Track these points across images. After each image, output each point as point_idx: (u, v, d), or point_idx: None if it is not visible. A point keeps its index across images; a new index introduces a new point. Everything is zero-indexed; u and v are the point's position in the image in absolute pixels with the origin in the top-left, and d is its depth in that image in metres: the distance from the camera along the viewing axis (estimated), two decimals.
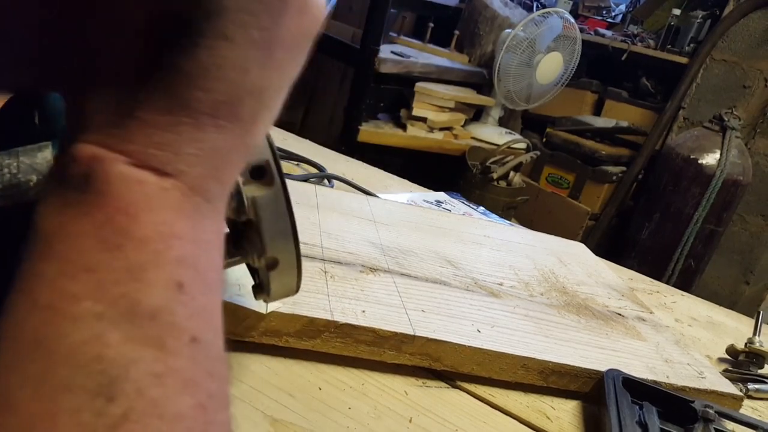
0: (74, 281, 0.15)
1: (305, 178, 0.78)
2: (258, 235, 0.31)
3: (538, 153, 2.25)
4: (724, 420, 0.43)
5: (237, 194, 0.29)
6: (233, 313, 0.39)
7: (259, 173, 0.29)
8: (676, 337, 0.55)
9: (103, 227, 0.15)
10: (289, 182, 0.33)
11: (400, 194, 0.84)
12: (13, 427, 0.13)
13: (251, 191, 0.29)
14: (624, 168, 2.40)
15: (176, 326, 0.16)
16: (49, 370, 0.14)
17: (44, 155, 0.35)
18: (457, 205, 0.87)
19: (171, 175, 0.17)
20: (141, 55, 0.16)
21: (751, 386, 0.53)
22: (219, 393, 0.17)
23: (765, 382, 0.54)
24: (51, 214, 0.16)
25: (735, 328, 0.69)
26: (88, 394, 0.14)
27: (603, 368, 0.45)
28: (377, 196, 0.77)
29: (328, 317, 0.41)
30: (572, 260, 0.68)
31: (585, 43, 2.36)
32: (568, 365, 0.44)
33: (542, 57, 2.29)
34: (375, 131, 2.13)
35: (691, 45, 2.35)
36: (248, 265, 0.36)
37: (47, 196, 0.16)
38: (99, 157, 0.16)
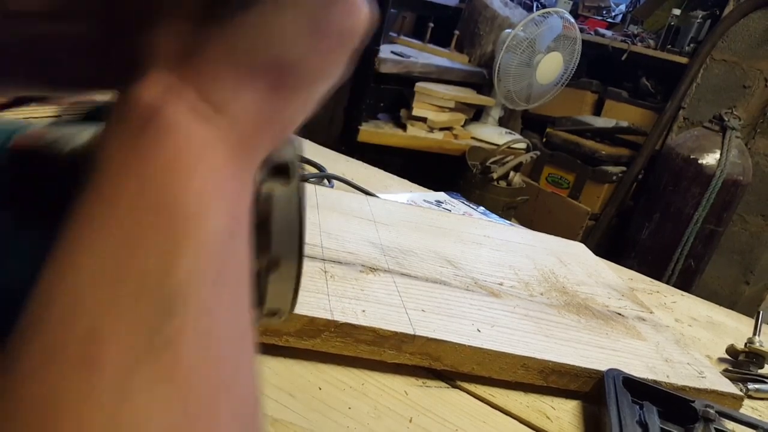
0: (138, 223, 0.16)
1: (305, 178, 0.78)
2: (266, 232, 0.31)
3: (538, 153, 2.25)
4: (724, 420, 0.43)
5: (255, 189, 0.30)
6: None
7: (280, 171, 0.30)
8: (676, 336, 0.55)
9: (169, 163, 0.17)
10: None
11: (400, 194, 0.84)
12: (73, 341, 0.14)
13: (269, 187, 0.30)
14: (624, 168, 2.40)
15: (225, 268, 0.17)
16: (114, 295, 0.15)
17: (84, 136, 0.36)
18: (457, 205, 0.87)
19: (219, 126, 0.18)
20: (200, 6, 0.19)
21: (751, 386, 0.53)
22: (251, 332, 0.19)
23: (765, 382, 0.54)
24: (111, 156, 0.17)
25: (735, 328, 0.69)
26: (148, 313, 0.15)
27: (603, 368, 0.45)
28: (377, 196, 0.77)
29: (328, 317, 0.41)
30: (572, 260, 0.68)
31: (585, 43, 2.36)
32: (568, 365, 0.44)
33: (542, 57, 2.29)
34: (375, 131, 2.13)
35: (691, 45, 2.35)
36: None
37: (107, 137, 0.18)
38: (157, 105, 0.17)
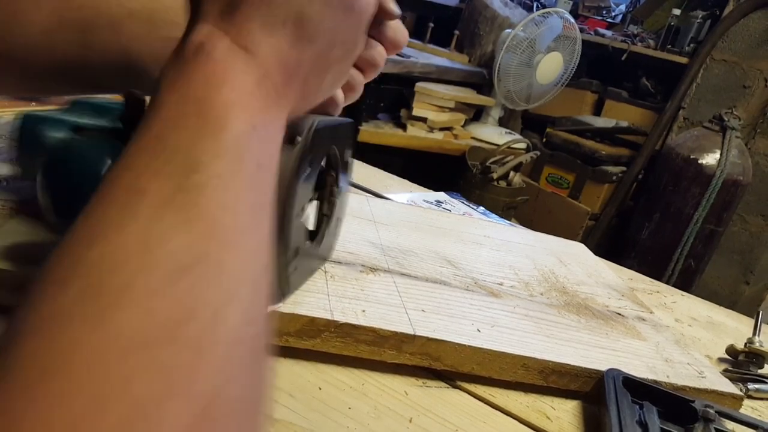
0: (177, 116, 0.22)
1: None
2: None
3: (538, 153, 2.25)
4: (724, 420, 0.43)
5: None
6: None
7: (290, 136, 0.35)
8: (676, 336, 0.55)
9: (206, 79, 0.23)
10: None
11: (400, 194, 0.84)
12: (119, 190, 0.20)
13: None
14: (624, 168, 2.40)
15: (242, 158, 0.22)
16: (152, 160, 0.20)
17: None
18: (457, 205, 0.87)
19: (249, 61, 0.24)
20: None
21: (751, 386, 0.53)
22: (268, 215, 0.23)
23: (765, 382, 0.54)
24: (168, 75, 0.23)
25: (735, 328, 0.69)
26: (176, 172, 0.20)
27: (603, 368, 0.45)
28: (384, 197, 0.77)
29: (329, 317, 0.41)
30: (572, 260, 0.68)
31: (585, 43, 2.36)
32: (569, 365, 0.44)
33: (542, 57, 2.29)
34: (375, 131, 2.13)
35: (691, 45, 2.35)
36: None
37: (167, 65, 0.23)
38: (209, 36, 0.24)
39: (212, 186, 0.20)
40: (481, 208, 0.90)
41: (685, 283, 2.16)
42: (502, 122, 2.60)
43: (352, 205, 0.65)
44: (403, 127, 2.20)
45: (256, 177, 0.23)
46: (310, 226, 0.48)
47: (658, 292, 0.73)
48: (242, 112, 0.22)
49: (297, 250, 0.39)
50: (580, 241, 0.78)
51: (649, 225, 2.22)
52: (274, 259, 0.37)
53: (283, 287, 0.40)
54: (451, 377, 0.44)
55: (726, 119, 2.06)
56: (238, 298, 0.20)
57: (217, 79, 0.22)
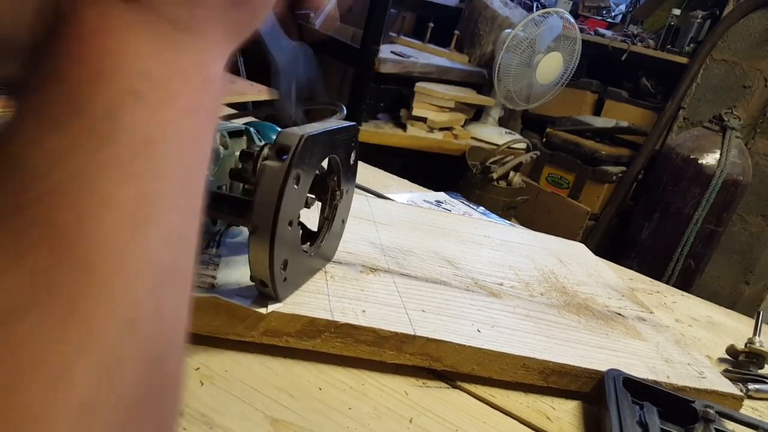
0: (37, 95, 0.17)
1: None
2: (252, 200, 0.36)
3: (538, 153, 2.25)
4: (724, 420, 0.43)
5: (254, 164, 0.38)
6: (233, 313, 0.39)
7: (281, 151, 0.36)
8: (677, 337, 0.55)
9: (77, 40, 0.18)
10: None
11: (400, 194, 0.84)
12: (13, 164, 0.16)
13: (266, 163, 0.36)
14: (624, 168, 2.40)
15: (126, 127, 0.17)
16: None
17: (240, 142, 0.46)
18: (457, 205, 0.87)
19: (138, 11, 0.19)
20: None
21: (751, 386, 0.53)
22: (165, 192, 0.18)
23: (765, 382, 0.54)
24: (34, 47, 0.18)
25: (735, 328, 0.69)
26: (5, 191, 0.15)
27: (603, 368, 0.45)
28: (384, 197, 0.77)
29: (329, 317, 0.41)
30: (572, 260, 0.68)
31: (585, 43, 2.36)
32: (569, 365, 0.44)
33: (542, 57, 2.29)
34: (375, 131, 2.13)
35: (691, 45, 2.35)
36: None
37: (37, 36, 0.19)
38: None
39: (60, 197, 0.15)
40: (481, 208, 0.90)
41: (685, 283, 2.16)
42: (502, 122, 2.60)
43: (352, 205, 0.65)
44: (403, 127, 2.20)
45: (141, 163, 0.18)
46: (313, 228, 0.48)
47: (658, 292, 0.73)
48: (117, 83, 0.18)
49: (285, 262, 0.39)
50: (580, 241, 0.78)
51: (649, 225, 2.22)
52: (267, 254, 0.37)
53: (275, 295, 0.40)
54: (451, 377, 0.44)
55: (726, 119, 2.07)
56: (93, 351, 0.15)
57: (81, 44, 0.18)
